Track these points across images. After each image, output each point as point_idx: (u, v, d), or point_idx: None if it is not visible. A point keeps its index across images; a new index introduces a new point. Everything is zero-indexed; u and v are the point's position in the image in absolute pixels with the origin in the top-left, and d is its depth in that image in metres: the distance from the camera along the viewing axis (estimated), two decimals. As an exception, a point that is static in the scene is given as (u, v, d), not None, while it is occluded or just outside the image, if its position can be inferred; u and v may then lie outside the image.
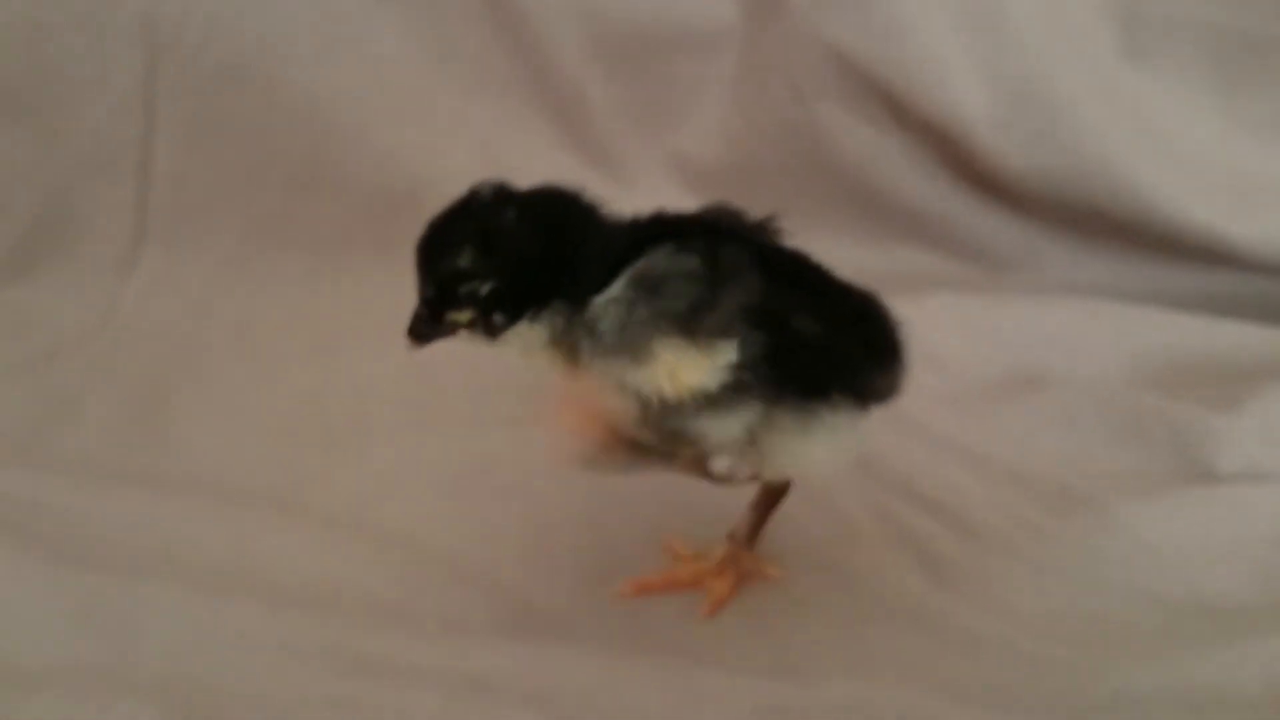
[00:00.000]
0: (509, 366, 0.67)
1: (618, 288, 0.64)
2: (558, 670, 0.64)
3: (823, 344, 0.68)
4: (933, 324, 1.02)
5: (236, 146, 1.08)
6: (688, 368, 0.64)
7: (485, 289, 0.65)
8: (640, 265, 0.64)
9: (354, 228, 1.11)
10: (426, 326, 0.68)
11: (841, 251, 1.16)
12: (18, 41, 1.03)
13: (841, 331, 0.69)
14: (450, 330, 0.67)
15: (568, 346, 0.66)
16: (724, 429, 0.66)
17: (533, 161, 1.15)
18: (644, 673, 0.64)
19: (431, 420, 0.90)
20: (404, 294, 1.05)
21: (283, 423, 0.89)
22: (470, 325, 0.66)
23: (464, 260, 0.65)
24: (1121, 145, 1.10)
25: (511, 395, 0.83)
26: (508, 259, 0.65)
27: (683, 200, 1.18)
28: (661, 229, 0.66)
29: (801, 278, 0.70)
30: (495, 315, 0.66)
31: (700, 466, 0.68)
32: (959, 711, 0.62)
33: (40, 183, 1.06)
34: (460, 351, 0.66)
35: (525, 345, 0.66)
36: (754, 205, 1.15)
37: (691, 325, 0.63)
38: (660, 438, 0.66)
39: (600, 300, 0.64)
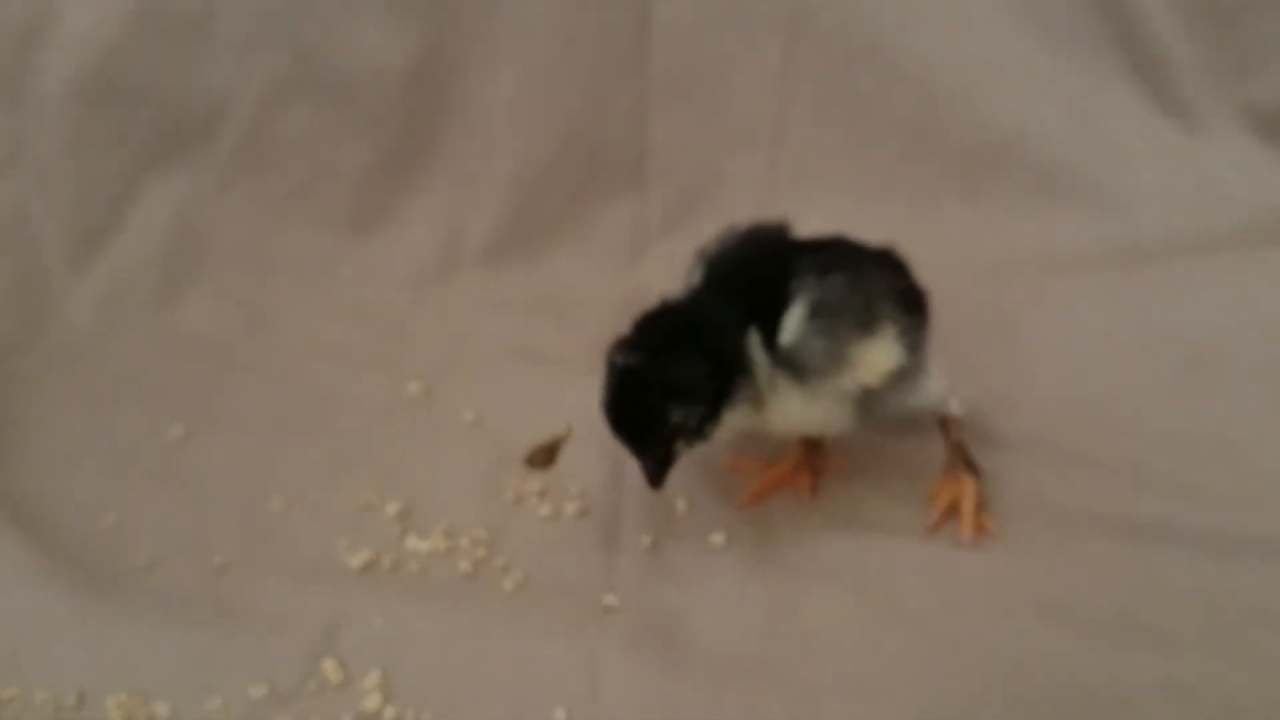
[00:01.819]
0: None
1: (800, 327, 0.79)
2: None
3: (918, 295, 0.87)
4: None
5: (856, 115, 1.24)
6: (881, 357, 0.80)
7: (695, 421, 0.80)
8: (812, 300, 0.79)
9: (948, 181, 1.25)
10: (660, 472, 0.82)
11: None
12: (686, 33, 1.23)
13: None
14: (675, 458, 0.82)
15: (757, 401, 0.81)
16: (919, 391, 0.85)
17: (1113, 112, 1.25)
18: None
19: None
20: (990, 234, 1.19)
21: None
22: (690, 445, 0.81)
23: (677, 416, 0.79)
24: None
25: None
26: (702, 387, 0.79)
27: (1255, 146, 1.24)
28: (768, 264, 0.83)
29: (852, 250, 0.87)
30: (707, 426, 0.80)
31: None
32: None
33: (695, 154, 1.27)
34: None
35: (729, 427, 0.81)
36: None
37: (868, 324, 0.80)
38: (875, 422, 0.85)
39: (791, 342, 0.79)
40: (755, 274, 0.84)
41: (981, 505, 0.88)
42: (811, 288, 0.81)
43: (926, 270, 0.92)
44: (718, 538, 0.88)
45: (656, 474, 0.82)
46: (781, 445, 0.94)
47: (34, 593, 0.83)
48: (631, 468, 0.95)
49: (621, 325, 1.12)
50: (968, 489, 0.89)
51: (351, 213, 1.27)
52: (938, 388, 0.89)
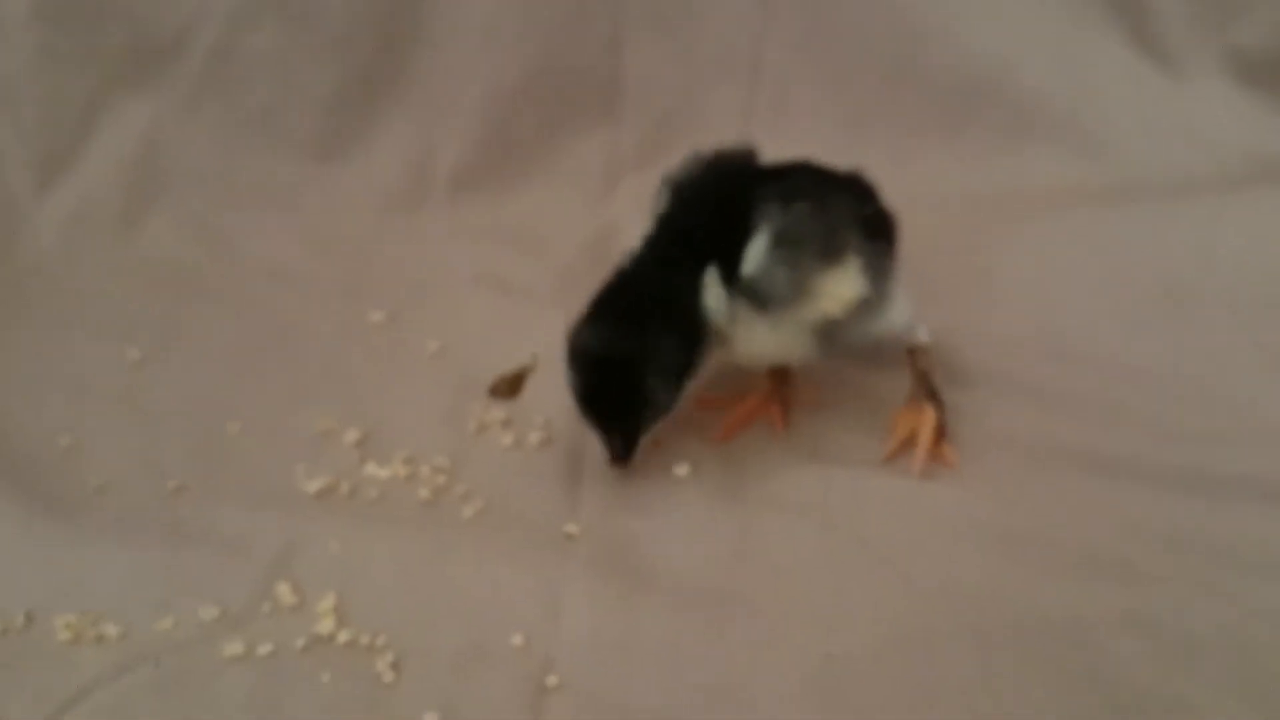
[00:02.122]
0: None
1: (763, 257, 0.78)
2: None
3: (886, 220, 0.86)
4: None
5: (836, 47, 1.21)
6: (844, 288, 0.80)
7: (666, 395, 0.81)
8: (775, 230, 0.78)
9: (928, 116, 1.23)
10: (626, 450, 0.82)
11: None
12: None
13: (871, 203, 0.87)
14: (641, 435, 0.82)
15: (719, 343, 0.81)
16: (884, 319, 0.84)
17: (1094, 53, 1.23)
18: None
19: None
20: (968, 170, 1.18)
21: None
22: (655, 420, 0.82)
23: (652, 390, 0.80)
24: None
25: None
26: (673, 360, 0.80)
27: (1235, 89, 1.23)
28: (737, 197, 0.82)
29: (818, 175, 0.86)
30: (674, 401, 0.82)
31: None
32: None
33: (672, 85, 1.24)
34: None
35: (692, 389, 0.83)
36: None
37: (832, 254, 0.79)
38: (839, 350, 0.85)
39: (753, 272, 0.78)
40: (719, 202, 0.83)
41: (945, 437, 0.88)
42: (775, 216, 0.80)
43: (902, 204, 0.91)
44: (681, 469, 0.87)
45: (625, 451, 0.82)
46: (750, 379, 0.93)
47: (-17, 512, 0.81)
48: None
49: (591, 260, 1.13)
50: (927, 419, 0.88)
51: (318, 138, 1.24)
52: (903, 315, 0.87)
